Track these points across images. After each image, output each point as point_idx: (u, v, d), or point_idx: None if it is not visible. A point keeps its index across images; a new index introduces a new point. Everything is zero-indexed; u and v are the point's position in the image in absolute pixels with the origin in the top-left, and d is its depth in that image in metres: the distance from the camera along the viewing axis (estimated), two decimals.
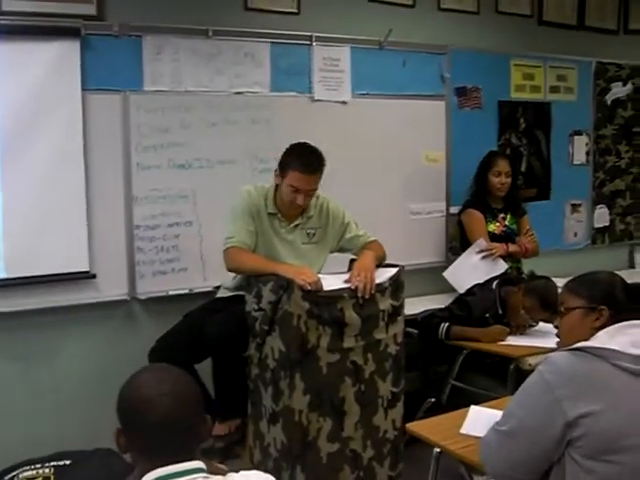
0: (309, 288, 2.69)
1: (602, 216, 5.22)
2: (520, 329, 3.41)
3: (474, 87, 4.48)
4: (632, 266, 5.34)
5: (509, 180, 4.12)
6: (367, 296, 2.81)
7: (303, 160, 2.94)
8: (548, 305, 3.23)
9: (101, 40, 3.33)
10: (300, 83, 3.86)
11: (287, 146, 3.06)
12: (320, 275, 2.85)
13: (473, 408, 2.36)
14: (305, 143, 3.02)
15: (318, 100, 3.91)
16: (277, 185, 3.08)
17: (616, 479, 1.67)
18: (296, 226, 3.12)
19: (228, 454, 3.12)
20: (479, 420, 2.20)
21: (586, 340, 1.81)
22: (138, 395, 1.37)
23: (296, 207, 3.04)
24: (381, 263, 3.09)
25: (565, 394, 1.69)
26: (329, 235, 3.18)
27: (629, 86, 5.27)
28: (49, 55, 3.21)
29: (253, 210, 3.03)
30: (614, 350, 1.73)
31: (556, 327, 2.03)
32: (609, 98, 5.19)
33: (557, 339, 2.05)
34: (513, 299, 3.43)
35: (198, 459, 1.38)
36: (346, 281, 2.87)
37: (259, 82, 3.73)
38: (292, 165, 2.95)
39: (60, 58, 3.23)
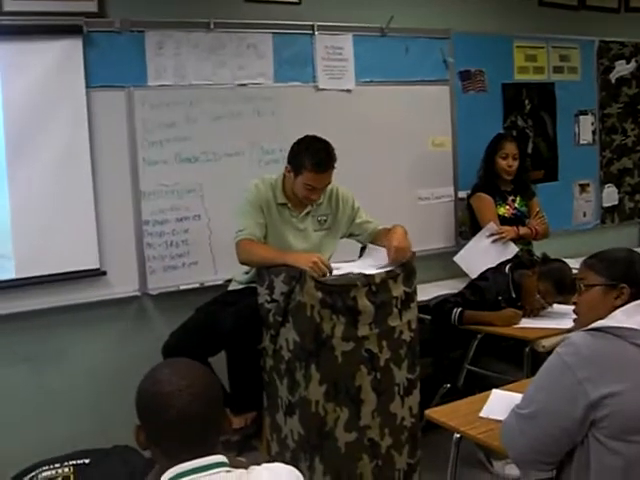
0: (321, 276, 2.70)
1: (610, 195, 5.20)
2: (534, 312, 3.40)
3: (478, 70, 4.46)
4: None
5: (516, 163, 4.09)
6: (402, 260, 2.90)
7: (317, 160, 2.93)
8: (563, 288, 3.22)
9: (103, 37, 3.32)
10: (304, 73, 3.84)
11: (292, 136, 3.06)
12: (334, 265, 2.86)
13: (495, 392, 2.35)
14: (315, 138, 3.00)
15: (322, 89, 3.90)
16: (285, 175, 3.09)
17: None
18: (307, 214, 3.14)
19: (245, 447, 3.13)
20: (500, 403, 2.18)
21: (602, 320, 1.81)
22: (157, 391, 1.35)
23: (310, 201, 3.07)
24: None
25: (586, 376, 1.69)
26: (340, 220, 3.20)
27: (633, 64, 5.24)
28: (52, 54, 3.20)
29: (262, 203, 3.05)
30: (632, 329, 1.72)
31: (574, 303, 2.02)
32: (613, 76, 5.17)
33: (574, 316, 2.04)
34: (528, 283, 3.41)
35: (219, 453, 1.37)
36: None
37: (262, 73, 3.71)
38: (306, 166, 2.94)
39: (63, 56, 3.22)
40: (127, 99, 3.40)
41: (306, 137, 3.02)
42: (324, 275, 2.73)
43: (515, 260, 3.66)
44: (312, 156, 2.93)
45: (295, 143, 3.03)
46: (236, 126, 3.64)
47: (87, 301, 3.37)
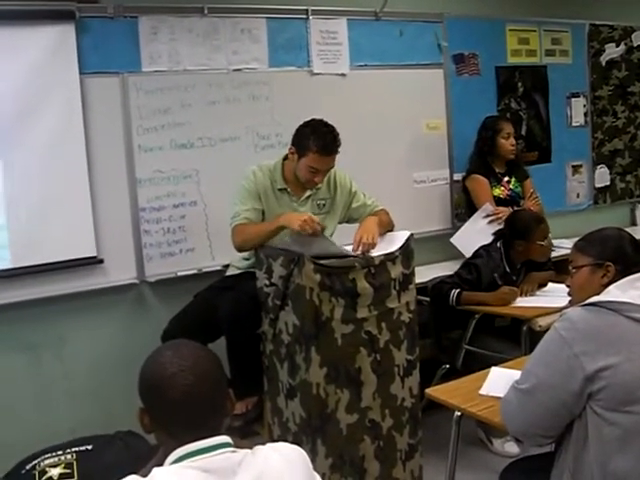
0: (311, 234, 2.72)
1: (602, 176, 5.24)
2: (530, 289, 3.47)
3: (471, 54, 4.46)
4: (634, 223, 5.40)
5: (515, 142, 4.14)
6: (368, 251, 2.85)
7: (323, 142, 2.94)
8: (540, 219, 3.52)
9: (96, 22, 3.29)
10: (298, 57, 3.84)
11: (287, 121, 3.08)
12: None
13: (494, 369, 2.37)
14: (321, 121, 3.01)
15: (317, 74, 3.89)
16: (284, 160, 3.10)
17: (637, 429, 1.70)
18: (307, 198, 3.14)
19: (247, 432, 3.13)
20: (499, 380, 2.21)
21: (597, 295, 1.84)
22: (160, 372, 1.34)
23: (312, 184, 3.06)
24: (391, 230, 3.11)
25: (582, 349, 1.72)
26: (338, 204, 3.21)
27: (622, 47, 5.27)
28: (45, 40, 3.17)
29: (260, 190, 3.05)
30: (627, 303, 1.76)
31: (568, 286, 2.06)
32: (603, 59, 5.19)
33: (569, 298, 2.08)
34: (515, 247, 3.51)
35: (223, 434, 1.36)
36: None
37: (257, 58, 3.70)
38: (312, 147, 2.94)
39: (56, 42, 3.19)
40: (121, 85, 3.38)
41: (312, 120, 3.02)
42: (314, 233, 2.73)
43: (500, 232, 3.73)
44: (318, 138, 2.94)
45: (301, 125, 3.03)
46: (231, 111, 3.63)
47: (85, 289, 3.36)
